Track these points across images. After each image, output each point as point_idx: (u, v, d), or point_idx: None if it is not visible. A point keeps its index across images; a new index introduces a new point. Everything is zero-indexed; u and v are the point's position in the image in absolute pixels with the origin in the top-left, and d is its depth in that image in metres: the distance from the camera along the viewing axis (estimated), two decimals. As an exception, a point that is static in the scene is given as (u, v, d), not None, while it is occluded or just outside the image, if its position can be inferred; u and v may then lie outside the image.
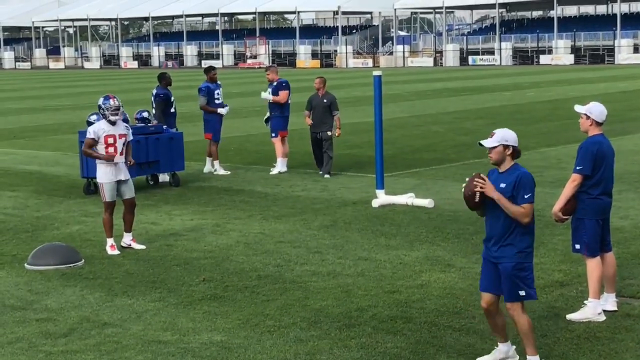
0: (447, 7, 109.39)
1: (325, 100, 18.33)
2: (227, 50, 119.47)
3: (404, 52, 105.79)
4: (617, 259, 10.00)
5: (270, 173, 19.02)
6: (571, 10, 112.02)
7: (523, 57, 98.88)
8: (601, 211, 8.72)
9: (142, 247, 12.12)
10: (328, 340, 8.13)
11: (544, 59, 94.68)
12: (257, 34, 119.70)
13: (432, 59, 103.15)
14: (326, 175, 18.16)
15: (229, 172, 19.13)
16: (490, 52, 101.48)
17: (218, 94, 19.26)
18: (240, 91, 50.00)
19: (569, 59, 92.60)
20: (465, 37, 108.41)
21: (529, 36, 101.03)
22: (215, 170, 19.20)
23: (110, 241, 11.95)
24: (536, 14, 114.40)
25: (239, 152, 22.73)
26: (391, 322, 8.59)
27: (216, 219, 14.10)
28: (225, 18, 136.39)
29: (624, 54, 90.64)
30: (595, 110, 8.83)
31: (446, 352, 7.74)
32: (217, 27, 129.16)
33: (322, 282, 10.17)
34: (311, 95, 18.73)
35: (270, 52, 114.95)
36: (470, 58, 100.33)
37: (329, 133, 18.28)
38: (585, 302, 8.67)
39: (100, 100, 11.98)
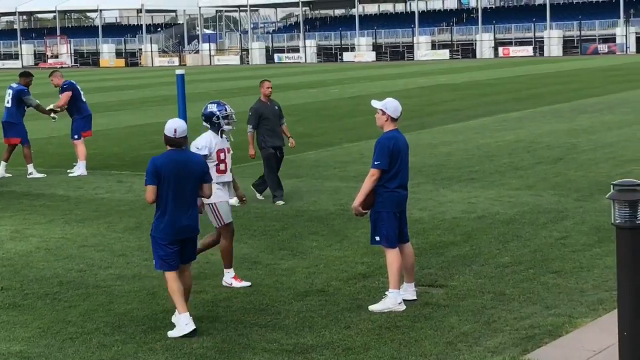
0: (251, 5, 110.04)
1: (276, 108, 14.94)
2: (27, 49, 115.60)
3: (210, 50, 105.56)
4: (416, 249, 10.35)
5: (71, 175, 18.56)
6: (372, 9, 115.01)
7: (327, 54, 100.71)
8: (398, 204, 8.99)
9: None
10: (133, 344, 8.01)
11: (347, 56, 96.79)
12: (58, 33, 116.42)
13: (239, 57, 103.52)
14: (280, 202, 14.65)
15: (44, 175, 18.59)
16: (296, 49, 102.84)
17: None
18: (41, 92, 48.42)
19: (371, 55, 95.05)
20: (270, 35, 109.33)
21: (333, 34, 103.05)
22: (30, 174, 18.58)
23: (232, 272, 9.96)
24: (339, 12, 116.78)
25: (40, 155, 21.98)
26: (197, 322, 8.55)
27: (15, 225, 13.60)
28: (24, 17, 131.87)
29: (422, 50, 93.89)
30: (391, 106, 9.10)
31: (252, 349, 7.78)
32: (16, 26, 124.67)
33: (127, 285, 10.01)
34: (255, 105, 14.91)
35: (73, 52, 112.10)
36: (276, 56, 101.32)
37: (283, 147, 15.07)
38: (386, 292, 8.92)
39: (213, 107, 10.03)
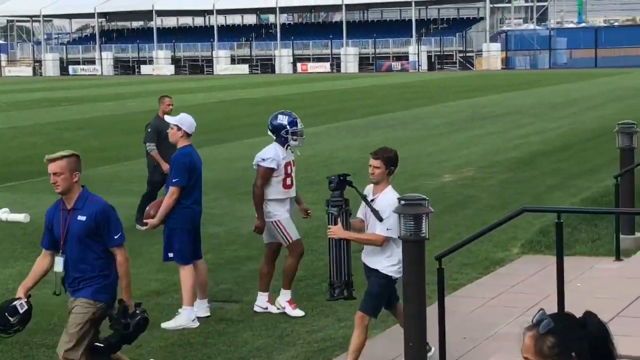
0: (45, 16, 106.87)
1: None
2: None
3: (0, 61, 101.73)
4: (212, 265, 10.32)
5: None
6: (171, 22, 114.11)
7: (124, 67, 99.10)
8: (193, 220, 8.94)
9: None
10: None
11: (145, 69, 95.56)
12: None
13: (31, 69, 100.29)
14: None
15: None
16: (91, 61, 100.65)
17: None
18: None
19: (170, 69, 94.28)
20: (65, 47, 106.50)
21: (130, 46, 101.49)
22: None
23: (289, 294, 9.11)
24: (136, 24, 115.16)
25: None
26: (-20, 345, 8.16)
27: None
28: None
29: (222, 64, 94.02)
30: (186, 121, 9.03)
31: (38, 372, 7.50)
32: None
33: None
34: (154, 122, 13.71)
35: None
36: (70, 68, 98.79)
37: None
38: (179, 310, 8.81)
39: (284, 119, 9.14)
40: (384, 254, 7.14)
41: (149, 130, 13.75)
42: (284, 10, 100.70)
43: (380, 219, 7.06)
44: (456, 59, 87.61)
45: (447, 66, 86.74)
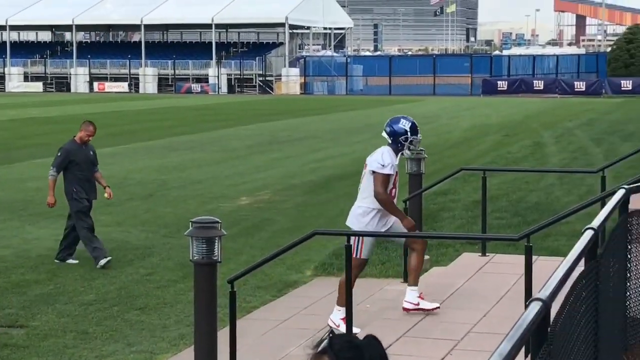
0: None
1: (91, 153, 12.55)
2: None
3: None
4: (-3, 289, 9.92)
5: None
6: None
7: None
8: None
9: (435, 305, 8.50)
10: None
11: None
12: None
13: None
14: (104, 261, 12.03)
15: None
16: None
17: None
18: None
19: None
20: None
21: None
22: None
23: (343, 312, 8.13)
24: None
25: None
26: None
27: None
28: None
29: (14, 82, 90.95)
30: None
31: None
32: None
33: None
34: (67, 146, 12.40)
35: None
36: None
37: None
38: (-40, 336, 8.42)
39: (406, 124, 8.43)
40: None
41: (59, 154, 12.36)
42: (80, 27, 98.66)
43: None
44: (256, 83, 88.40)
45: (247, 89, 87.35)
